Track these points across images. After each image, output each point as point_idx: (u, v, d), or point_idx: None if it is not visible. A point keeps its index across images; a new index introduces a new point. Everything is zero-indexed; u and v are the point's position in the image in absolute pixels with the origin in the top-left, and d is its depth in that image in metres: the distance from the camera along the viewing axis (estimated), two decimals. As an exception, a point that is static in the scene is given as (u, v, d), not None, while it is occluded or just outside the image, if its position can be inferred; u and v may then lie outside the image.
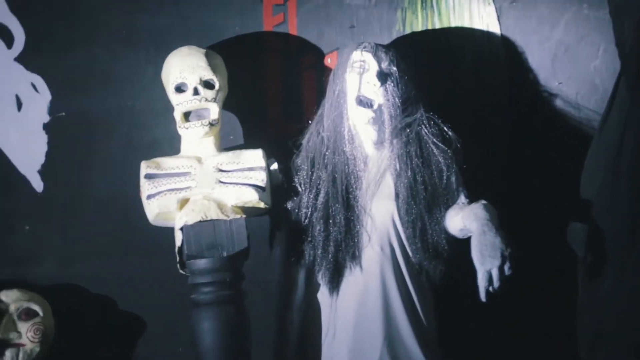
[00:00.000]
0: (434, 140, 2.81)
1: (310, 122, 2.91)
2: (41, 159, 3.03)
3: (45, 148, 3.03)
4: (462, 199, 2.80)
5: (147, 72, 3.05)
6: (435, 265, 2.74)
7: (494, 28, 3.17)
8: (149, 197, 2.76)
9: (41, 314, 2.87)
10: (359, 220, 2.76)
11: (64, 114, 3.03)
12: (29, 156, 3.02)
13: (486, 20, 3.17)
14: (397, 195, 2.77)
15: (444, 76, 3.13)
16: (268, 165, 2.86)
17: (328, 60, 3.13)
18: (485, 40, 3.17)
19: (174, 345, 3.05)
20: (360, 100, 2.78)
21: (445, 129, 2.83)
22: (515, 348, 3.10)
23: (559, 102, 3.16)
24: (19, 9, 3.01)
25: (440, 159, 2.80)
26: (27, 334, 2.82)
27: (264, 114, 3.12)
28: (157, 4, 3.08)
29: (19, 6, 3.01)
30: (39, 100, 3.03)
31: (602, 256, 2.67)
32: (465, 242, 2.60)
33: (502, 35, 3.17)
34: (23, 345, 2.81)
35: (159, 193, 2.76)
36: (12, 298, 2.87)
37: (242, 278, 2.74)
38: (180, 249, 2.70)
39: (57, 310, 2.94)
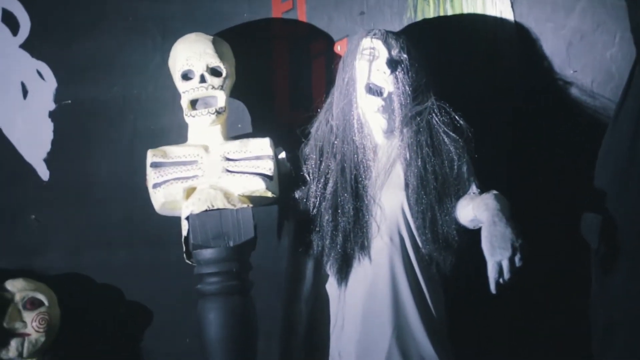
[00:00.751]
0: (445, 129, 2.77)
1: (319, 110, 2.87)
2: (47, 147, 3.01)
3: (51, 136, 3.01)
4: (474, 189, 2.76)
5: (154, 60, 3.02)
6: (445, 256, 2.70)
7: (508, 15, 3.11)
8: (155, 185, 2.73)
9: (47, 303, 2.85)
10: (368, 210, 2.72)
11: (70, 101, 3.01)
12: (35, 144, 3.01)
13: (499, 7, 3.12)
14: (407, 185, 2.73)
15: (456, 64, 3.07)
16: (276, 154, 2.82)
17: (338, 48, 3.08)
18: (499, 27, 3.12)
19: (180, 336, 3.03)
20: (369, 88, 2.73)
21: (456, 117, 2.78)
22: (525, 341, 3.06)
23: (574, 91, 3.11)
24: (25, -4, 3.00)
25: (451, 148, 2.75)
26: (32, 324, 2.80)
27: (272, 102, 3.09)
28: (165, -9, 3.06)
29: (25, -7, 2.99)
30: (45, 87, 3.00)
31: (615, 248, 2.62)
32: (476, 233, 2.56)
33: (515, 22, 3.11)
34: (28, 334, 2.80)
35: (165, 182, 2.72)
36: (17, 287, 2.85)
37: (249, 268, 2.71)
38: (187, 238, 2.67)
39: (63, 300, 2.92)
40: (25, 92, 3.01)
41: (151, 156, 2.79)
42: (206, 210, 2.65)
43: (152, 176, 2.74)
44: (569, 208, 2.80)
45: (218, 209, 2.66)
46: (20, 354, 2.79)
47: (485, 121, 2.95)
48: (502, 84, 3.11)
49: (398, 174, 2.76)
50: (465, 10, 3.12)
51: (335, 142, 2.78)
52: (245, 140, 2.85)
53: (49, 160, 3.01)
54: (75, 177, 3.02)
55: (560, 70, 3.11)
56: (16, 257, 2.99)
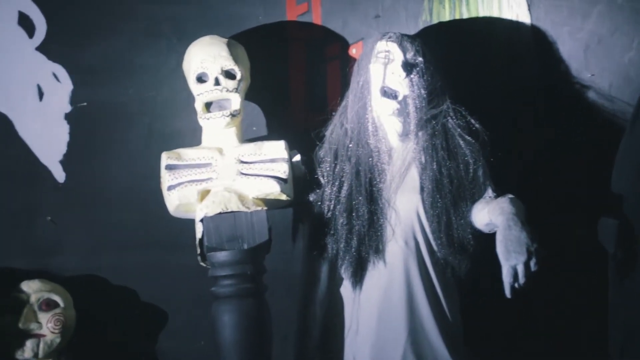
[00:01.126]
0: (461, 132, 2.76)
1: (333, 113, 2.87)
2: (63, 149, 3.02)
3: (66, 138, 3.02)
4: (489, 192, 2.74)
5: (168, 62, 3.02)
6: (460, 260, 2.69)
7: (524, 18, 3.10)
8: (170, 188, 2.73)
9: (62, 304, 2.86)
10: (382, 214, 2.71)
11: (85, 104, 3.02)
12: (51, 146, 3.01)
13: (516, 10, 3.10)
14: (422, 189, 2.72)
15: (472, 67, 3.06)
16: (290, 157, 2.81)
17: (353, 51, 3.07)
18: (515, 31, 3.10)
19: (195, 338, 3.03)
20: (384, 92, 2.72)
21: (472, 121, 2.77)
22: (540, 345, 3.04)
23: (591, 94, 3.09)
24: (41, -1, 3.01)
25: (466, 152, 2.74)
26: (47, 325, 2.81)
27: (287, 105, 3.08)
28: (180, -6, 3.06)
29: (41, -5, 3.01)
30: (61, 90, 3.01)
31: (633, 253, 2.60)
32: (491, 237, 2.54)
33: (532, 25, 3.09)
34: (43, 335, 2.81)
35: (179, 184, 2.73)
36: (33, 288, 2.86)
37: (263, 271, 2.71)
38: (201, 241, 2.67)
39: (78, 301, 2.92)
40: (41, 95, 3.02)
41: (166, 158, 2.79)
42: (220, 213, 2.65)
43: (167, 178, 2.74)
44: (586, 212, 2.79)
45: (232, 212, 2.65)
46: (35, 355, 2.79)
47: (501, 125, 2.93)
48: (519, 88, 3.09)
49: (413, 177, 2.74)
50: (481, 14, 3.10)
51: (350, 145, 2.77)
52: (259, 143, 2.84)
53: (64, 162, 3.02)
54: (91, 179, 3.03)
55: (577, 74, 3.09)
56: (32, 258, 2.99)
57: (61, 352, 2.85)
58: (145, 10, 3.04)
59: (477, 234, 2.70)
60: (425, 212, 2.70)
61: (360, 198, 2.71)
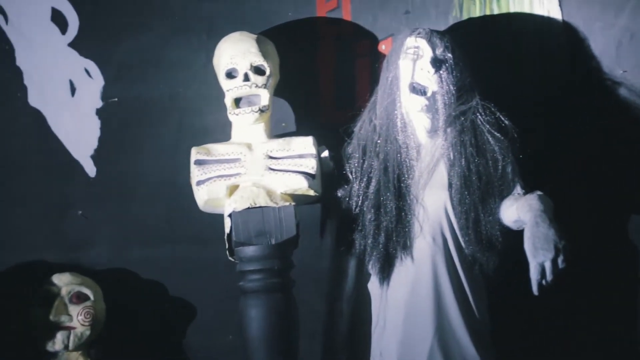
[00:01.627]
0: (490, 128, 2.74)
1: (362, 109, 2.86)
2: (94, 144, 3.05)
3: (98, 133, 3.05)
4: (518, 189, 2.72)
5: (199, 58, 3.05)
6: (488, 257, 2.67)
7: (555, 14, 3.07)
8: (199, 183, 2.75)
9: (92, 297, 2.89)
10: (410, 210, 2.70)
11: (116, 99, 3.05)
12: (82, 141, 3.05)
13: (547, 6, 3.07)
14: (450, 185, 2.71)
15: (502, 64, 3.04)
16: (319, 153, 2.82)
17: (382, 47, 3.07)
18: (546, 27, 3.08)
19: (223, 332, 3.04)
20: (413, 88, 2.72)
21: (501, 117, 2.75)
22: (568, 343, 3.01)
23: (623, 91, 3.05)
24: (74, -5, 3.05)
25: (495, 148, 2.72)
26: (77, 317, 2.84)
27: (316, 101, 3.09)
28: (210, -10, 3.08)
29: (74, -8, 3.05)
30: (92, 85, 3.05)
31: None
32: (520, 234, 2.53)
33: (563, 21, 3.06)
34: (74, 328, 2.84)
35: (208, 179, 2.74)
36: (64, 281, 2.90)
37: (291, 266, 2.72)
38: (229, 235, 2.69)
39: (108, 295, 2.96)
40: (73, 90, 3.05)
41: (195, 154, 2.81)
42: (249, 208, 2.66)
43: (196, 174, 2.76)
44: (618, 211, 2.75)
45: (260, 207, 2.67)
46: (65, 347, 2.83)
47: (531, 121, 2.91)
48: (549, 84, 3.06)
49: (441, 173, 2.73)
50: (512, 10, 3.08)
51: (379, 141, 2.77)
52: (288, 139, 2.85)
53: (95, 157, 3.06)
54: (121, 174, 3.06)
55: (609, 70, 3.06)
56: (63, 251, 3.03)
57: (91, 344, 2.89)
58: (176, 7, 3.07)
59: (505, 230, 2.68)
60: (453, 208, 2.69)
61: (388, 194, 2.71)
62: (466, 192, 2.68)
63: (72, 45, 3.04)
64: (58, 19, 3.03)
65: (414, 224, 2.70)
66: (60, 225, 3.05)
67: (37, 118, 3.05)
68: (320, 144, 2.85)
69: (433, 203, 2.70)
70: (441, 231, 2.69)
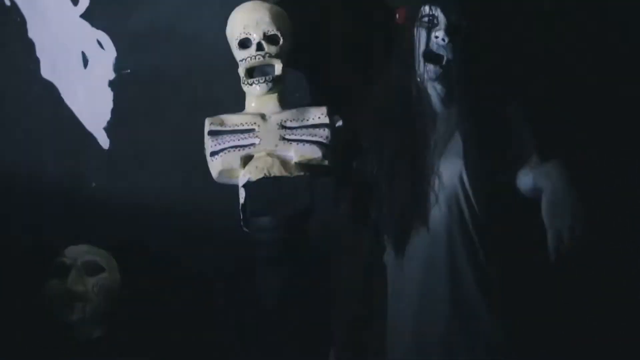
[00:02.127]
0: (506, 96, 2.71)
1: (376, 79, 2.84)
2: (107, 115, 3.05)
3: (110, 105, 3.05)
4: (535, 158, 2.70)
5: (212, 29, 3.02)
6: (504, 227, 2.66)
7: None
8: (213, 154, 2.74)
9: (107, 269, 2.89)
10: (425, 180, 2.68)
11: (129, 70, 3.04)
12: (95, 113, 3.05)
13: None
14: (465, 155, 2.68)
15: (520, 32, 3.00)
16: (333, 123, 2.80)
17: (396, 15, 3.03)
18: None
19: (238, 303, 3.04)
20: (428, 56, 2.69)
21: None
22: (585, 315, 2.99)
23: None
24: (85, -35, 3.02)
25: (511, 116, 2.70)
26: (92, 289, 2.85)
27: (330, 69, 3.06)
28: (222, -42, 3.05)
29: (85, -38, 3.02)
30: (105, 57, 3.04)
31: None
32: (537, 203, 2.51)
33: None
34: (89, 299, 2.85)
35: (222, 150, 2.74)
36: (79, 253, 2.90)
37: (305, 237, 2.71)
38: (244, 206, 2.69)
39: (122, 266, 2.96)
40: (85, 62, 3.04)
41: (209, 124, 2.79)
42: (263, 178, 2.65)
43: (210, 144, 2.75)
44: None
45: (275, 177, 2.66)
46: (81, 319, 2.84)
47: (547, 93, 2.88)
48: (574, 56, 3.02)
49: (457, 143, 2.71)
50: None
51: (393, 110, 2.75)
52: (302, 109, 2.83)
53: (109, 129, 3.05)
54: (135, 146, 3.06)
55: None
56: (77, 223, 3.04)
57: (106, 315, 2.90)
58: (188, -23, 3.05)
59: (523, 199, 2.66)
60: (469, 177, 2.68)
61: (403, 164, 2.69)
62: (482, 162, 2.66)
63: (84, 16, 3.02)
64: (69, -11, 3.02)
65: (430, 194, 2.68)
66: (74, 197, 3.05)
67: (51, 90, 3.04)
68: (334, 113, 2.83)
69: (448, 172, 2.67)
70: (457, 200, 2.67)
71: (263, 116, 2.80)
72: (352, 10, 3.07)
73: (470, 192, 2.67)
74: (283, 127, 2.77)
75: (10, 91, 3.07)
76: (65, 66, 3.04)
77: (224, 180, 2.80)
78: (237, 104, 2.90)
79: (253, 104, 2.83)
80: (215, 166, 2.74)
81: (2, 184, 3.06)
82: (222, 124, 2.79)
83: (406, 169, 2.68)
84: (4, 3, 3.04)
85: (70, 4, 3.02)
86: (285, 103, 2.86)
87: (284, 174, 2.67)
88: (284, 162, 2.71)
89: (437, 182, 2.67)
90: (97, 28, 3.03)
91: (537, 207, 2.47)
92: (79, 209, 3.06)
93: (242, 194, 2.70)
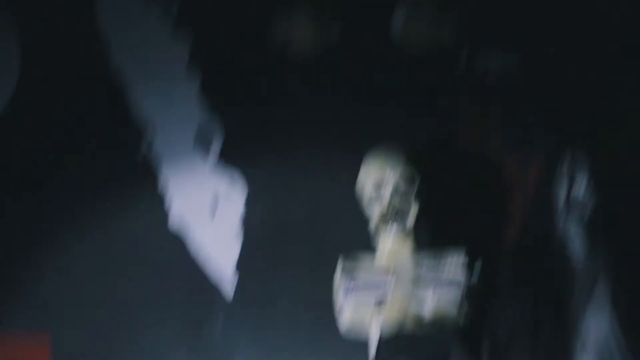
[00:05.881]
0: None
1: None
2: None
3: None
4: None
5: (339, 175, 2.98)
6: None
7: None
8: (342, 308, 2.68)
9: None
10: (572, 328, 2.59)
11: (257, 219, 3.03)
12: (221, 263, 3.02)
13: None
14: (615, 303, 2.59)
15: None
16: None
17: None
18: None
19: None
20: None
21: None
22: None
23: None
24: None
25: None
26: None
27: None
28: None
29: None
30: (232, 206, 3.06)
31: None
32: None
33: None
34: None
35: (352, 302, 2.67)
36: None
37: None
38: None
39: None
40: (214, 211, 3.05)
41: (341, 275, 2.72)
42: (396, 335, 2.61)
43: (341, 297, 2.69)
44: None
45: (408, 333, 2.61)
46: None
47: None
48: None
49: (603, 290, 2.62)
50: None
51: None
52: (438, 256, 2.73)
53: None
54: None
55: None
56: None
57: None
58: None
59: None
60: (621, 327, 2.57)
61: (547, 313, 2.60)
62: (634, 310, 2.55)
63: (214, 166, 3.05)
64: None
65: (577, 343, 2.55)
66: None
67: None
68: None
69: (597, 321, 2.57)
70: (609, 350, 2.54)
71: (395, 266, 2.71)
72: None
73: (623, 342, 2.55)
74: (416, 278, 2.68)
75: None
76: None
77: (354, 333, 2.71)
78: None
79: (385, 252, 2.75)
80: (345, 317, 2.68)
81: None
82: (354, 274, 2.71)
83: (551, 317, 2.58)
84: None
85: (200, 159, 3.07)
86: (417, 246, 2.76)
87: (418, 330, 2.61)
88: (417, 318, 2.63)
89: (585, 330, 2.57)
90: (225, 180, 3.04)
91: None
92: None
93: (373, 347, 2.64)
